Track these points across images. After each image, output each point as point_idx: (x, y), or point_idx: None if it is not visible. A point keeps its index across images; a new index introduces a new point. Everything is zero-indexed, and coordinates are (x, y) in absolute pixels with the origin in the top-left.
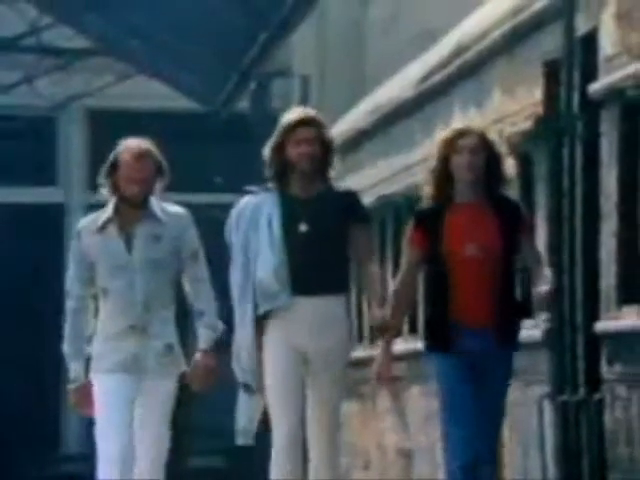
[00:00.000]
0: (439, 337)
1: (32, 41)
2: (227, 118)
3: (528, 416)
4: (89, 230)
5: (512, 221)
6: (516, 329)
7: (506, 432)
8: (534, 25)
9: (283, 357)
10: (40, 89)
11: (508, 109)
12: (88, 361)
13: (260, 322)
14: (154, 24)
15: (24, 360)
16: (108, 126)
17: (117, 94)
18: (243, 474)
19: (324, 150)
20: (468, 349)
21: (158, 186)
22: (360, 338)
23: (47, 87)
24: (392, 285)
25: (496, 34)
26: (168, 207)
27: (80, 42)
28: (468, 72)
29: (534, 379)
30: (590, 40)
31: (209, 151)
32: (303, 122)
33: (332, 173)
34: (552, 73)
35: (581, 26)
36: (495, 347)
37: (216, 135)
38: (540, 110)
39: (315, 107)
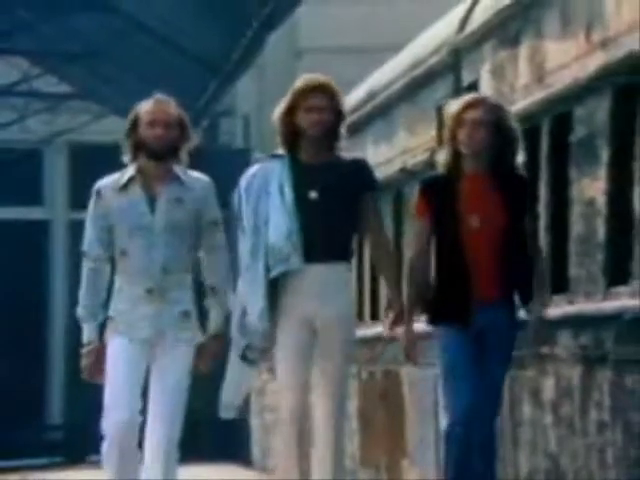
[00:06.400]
0: (446, 310)
1: (24, 87)
2: None
3: (426, 391)
4: (110, 189)
5: (518, 195)
6: (525, 303)
7: (408, 404)
8: (429, 77)
9: (293, 329)
10: (30, 127)
11: (410, 144)
12: (102, 325)
13: (270, 289)
14: (125, 74)
15: (12, 344)
16: (86, 157)
17: (94, 131)
18: (199, 444)
19: (335, 118)
20: (475, 323)
21: (184, 151)
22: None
23: (36, 125)
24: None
25: (400, 83)
26: (191, 173)
27: (64, 88)
28: (378, 113)
29: (431, 361)
30: (473, 89)
31: None
32: (315, 89)
33: (342, 142)
34: (443, 115)
35: (466, 78)
36: (502, 322)
37: None
38: (435, 145)
39: (255, 141)
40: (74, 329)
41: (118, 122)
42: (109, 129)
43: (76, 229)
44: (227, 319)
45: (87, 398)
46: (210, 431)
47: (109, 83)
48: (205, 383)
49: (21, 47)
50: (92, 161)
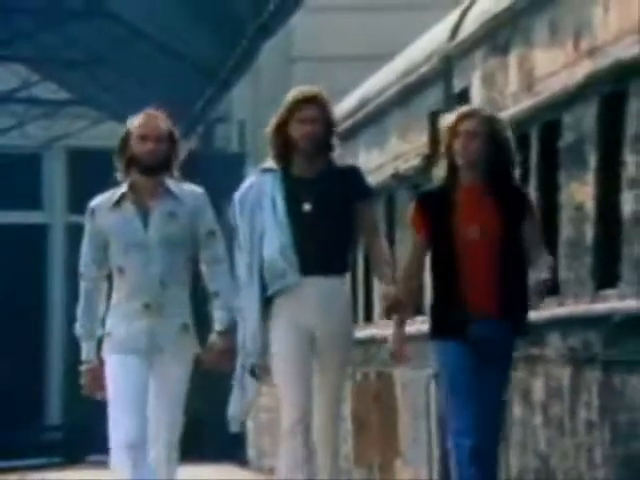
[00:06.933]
0: (444, 323)
1: (23, 94)
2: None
3: (418, 392)
4: (104, 207)
5: (514, 206)
6: (522, 315)
7: (401, 404)
8: (421, 84)
9: (292, 339)
10: (29, 132)
11: (402, 149)
12: (100, 342)
13: (267, 304)
14: (123, 80)
15: (11, 345)
16: (84, 162)
17: (92, 136)
18: (198, 444)
19: (327, 130)
20: (473, 337)
21: (175, 165)
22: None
23: (35, 131)
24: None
25: (392, 90)
26: (184, 186)
27: (62, 94)
28: (371, 120)
29: (423, 364)
30: (464, 96)
31: None
32: (307, 100)
33: (334, 153)
34: (435, 121)
35: (457, 85)
36: (500, 335)
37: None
38: (426, 150)
39: (250, 146)
40: (72, 331)
41: (116, 127)
42: (107, 134)
43: (75, 232)
44: (233, 321)
45: (86, 398)
46: (209, 431)
47: (108, 89)
48: (204, 384)
49: (21, 54)
50: (90, 165)
